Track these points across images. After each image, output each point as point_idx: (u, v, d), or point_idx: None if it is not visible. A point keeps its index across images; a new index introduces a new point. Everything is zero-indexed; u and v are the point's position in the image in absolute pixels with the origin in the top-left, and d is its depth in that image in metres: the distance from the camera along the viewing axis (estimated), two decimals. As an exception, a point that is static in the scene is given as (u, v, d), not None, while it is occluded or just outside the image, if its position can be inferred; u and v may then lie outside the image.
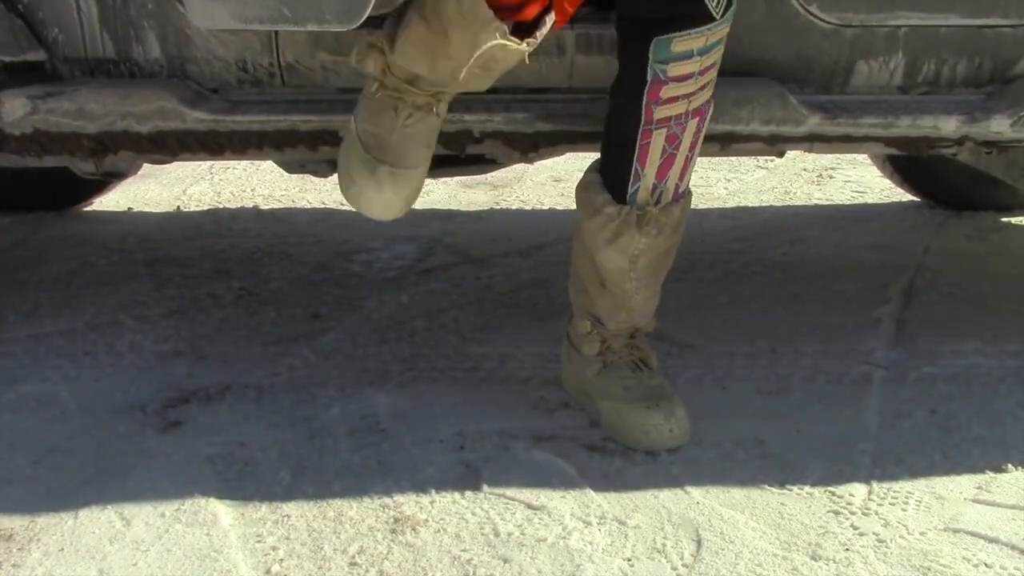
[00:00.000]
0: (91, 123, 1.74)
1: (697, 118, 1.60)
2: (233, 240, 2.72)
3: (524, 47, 1.45)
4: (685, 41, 1.53)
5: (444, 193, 3.10)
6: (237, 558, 1.43)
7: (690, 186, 1.68)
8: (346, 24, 1.38)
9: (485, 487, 1.59)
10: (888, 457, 1.66)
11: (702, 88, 1.58)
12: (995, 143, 1.83)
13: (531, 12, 1.45)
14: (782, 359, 1.99)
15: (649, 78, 1.55)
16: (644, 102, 1.57)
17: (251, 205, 3.04)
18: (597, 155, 1.69)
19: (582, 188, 1.69)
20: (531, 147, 1.79)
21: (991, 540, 1.46)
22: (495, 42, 1.41)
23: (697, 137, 1.62)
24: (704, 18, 1.52)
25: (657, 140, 1.59)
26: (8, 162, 1.86)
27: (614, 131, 1.64)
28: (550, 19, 1.48)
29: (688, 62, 1.54)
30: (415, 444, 1.71)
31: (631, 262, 1.67)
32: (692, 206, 1.72)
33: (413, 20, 1.44)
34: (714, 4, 1.51)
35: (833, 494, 1.56)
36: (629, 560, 1.43)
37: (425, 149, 1.59)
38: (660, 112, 1.57)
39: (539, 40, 1.48)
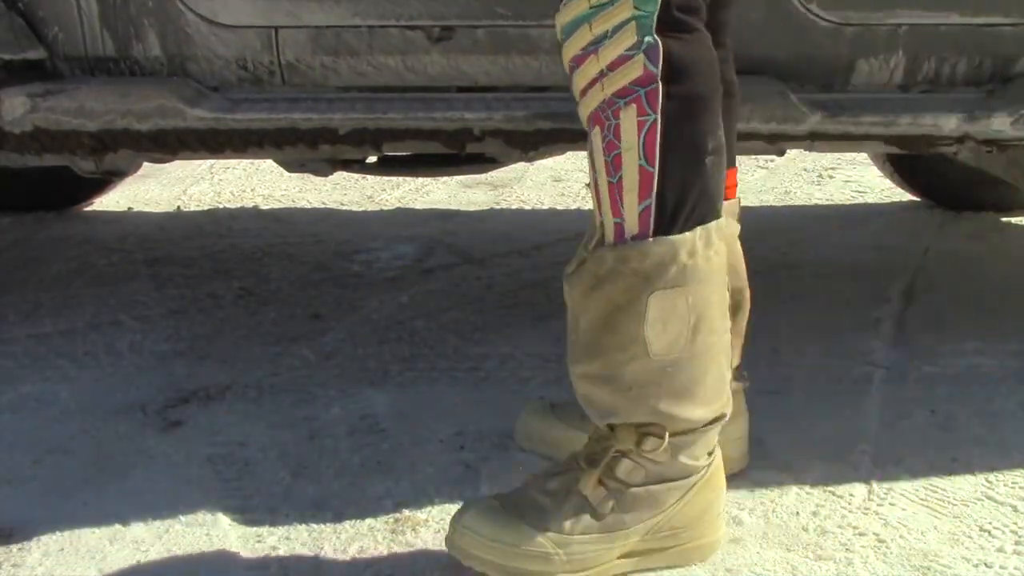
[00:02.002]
0: (91, 121, 1.74)
1: (597, 126, 1.27)
2: (233, 240, 2.72)
3: None
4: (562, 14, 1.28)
5: (444, 193, 3.10)
6: (236, 558, 1.43)
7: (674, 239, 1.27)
8: None
9: (485, 487, 1.58)
10: (888, 457, 1.66)
11: (593, 84, 1.26)
12: (995, 142, 1.83)
13: None
14: (782, 359, 1.99)
15: None
16: None
17: (251, 205, 3.03)
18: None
19: None
20: (531, 145, 1.79)
21: (991, 540, 1.45)
22: None
23: (608, 159, 1.27)
24: None
25: (590, 149, 1.30)
26: (8, 161, 1.86)
27: None
28: None
29: (568, 43, 1.28)
30: (415, 444, 1.70)
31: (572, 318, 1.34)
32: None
33: None
34: None
35: (833, 494, 1.56)
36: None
37: None
38: (581, 110, 1.30)
39: None
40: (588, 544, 1.31)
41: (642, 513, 1.32)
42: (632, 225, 1.26)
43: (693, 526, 1.36)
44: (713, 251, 1.29)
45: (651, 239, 1.26)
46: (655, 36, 1.25)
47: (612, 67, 1.25)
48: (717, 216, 1.30)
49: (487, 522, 1.31)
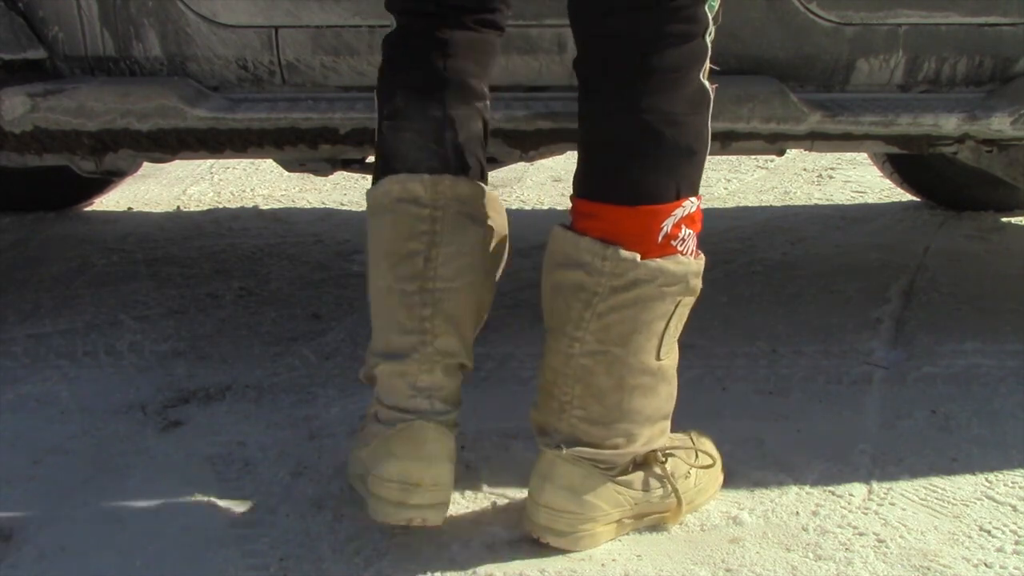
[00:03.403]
0: (91, 121, 1.74)
1: None
2: (233, 240, 2.72)
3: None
4: None
5: (444, 193, 3.09)
6: (235, 558, 1.43)
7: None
8: None
9: (485, 487, 1.58)
10: (888, 457, 1.66)
11: None
12: (995, 141, 1.83)
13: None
14: (782, 359, 1.99)
15: None
16: None
17: (251, 205, 3.04)
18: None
19: None
20: (531, 145, 1.79)
21: (991, 540, 1.46)
22: None
23: None
24: None
25: None
26: (8, 160, 1.86)
27: None
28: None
29: None
30: (415, 443, 1.70)
31: None
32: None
33: None
34: None
35: (833, 494, 1.56)
36: (629, 559, 1.42)
37: None
38: None
39: None
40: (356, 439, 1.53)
41: (364, 438, 1.47)
42: None
43: (369, 471, 1.41)
44: (384, 205, 1.45)
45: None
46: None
47: None
48: (392, 172, 1.45)
49: None
